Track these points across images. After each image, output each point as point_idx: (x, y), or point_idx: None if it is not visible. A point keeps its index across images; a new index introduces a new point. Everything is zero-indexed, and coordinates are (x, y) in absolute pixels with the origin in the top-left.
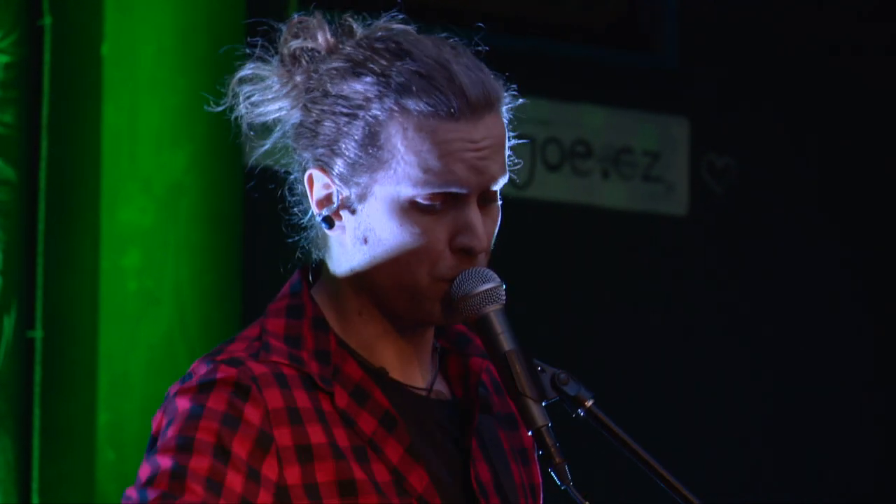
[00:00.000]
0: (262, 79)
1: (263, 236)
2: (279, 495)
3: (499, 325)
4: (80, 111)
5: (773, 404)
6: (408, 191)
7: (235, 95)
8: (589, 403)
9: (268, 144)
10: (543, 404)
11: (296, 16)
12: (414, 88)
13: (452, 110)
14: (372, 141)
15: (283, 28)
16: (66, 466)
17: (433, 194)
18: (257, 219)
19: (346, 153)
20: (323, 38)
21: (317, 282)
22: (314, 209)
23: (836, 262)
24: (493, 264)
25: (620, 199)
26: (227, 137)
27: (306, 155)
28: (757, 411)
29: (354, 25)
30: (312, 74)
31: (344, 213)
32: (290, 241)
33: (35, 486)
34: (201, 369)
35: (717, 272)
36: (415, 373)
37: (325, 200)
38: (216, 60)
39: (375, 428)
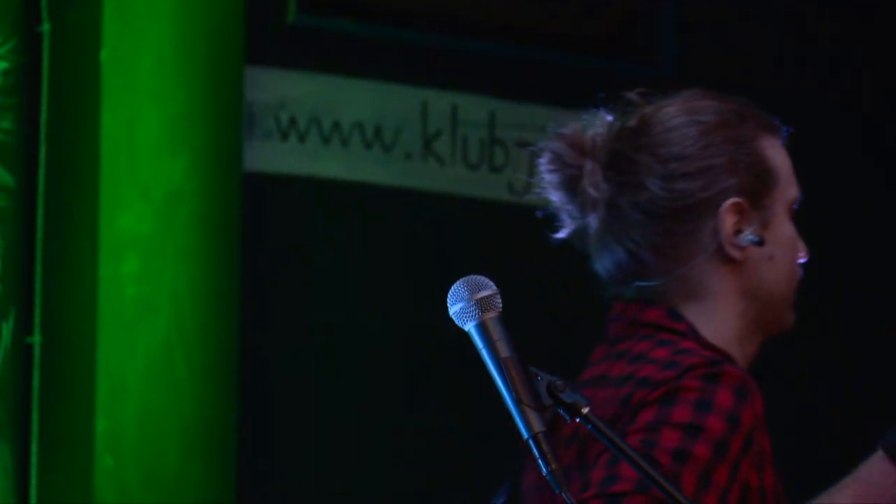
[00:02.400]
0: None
1: (262, 244)
2: (743, 490)
3: (496, 333)
4: (78, 117)
5: (777, 415)
6: (792, 192)
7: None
8: (585, 410)
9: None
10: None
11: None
12: (752, 111)
13: (778, 128)
14: (762, 163)
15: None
16: (64, 473)
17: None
18: (255, 226)
19: (748, 177)
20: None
21: (667, 311)
22: (728, 236)
23: (831, 270)
24: (493, 270)
25: None
26: (224, 145)
27: (708, 191)
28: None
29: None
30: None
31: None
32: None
33: (33, 492)
34: (694, 360)
35: None
36: None
37: (738, 226)
38: (215, 68)
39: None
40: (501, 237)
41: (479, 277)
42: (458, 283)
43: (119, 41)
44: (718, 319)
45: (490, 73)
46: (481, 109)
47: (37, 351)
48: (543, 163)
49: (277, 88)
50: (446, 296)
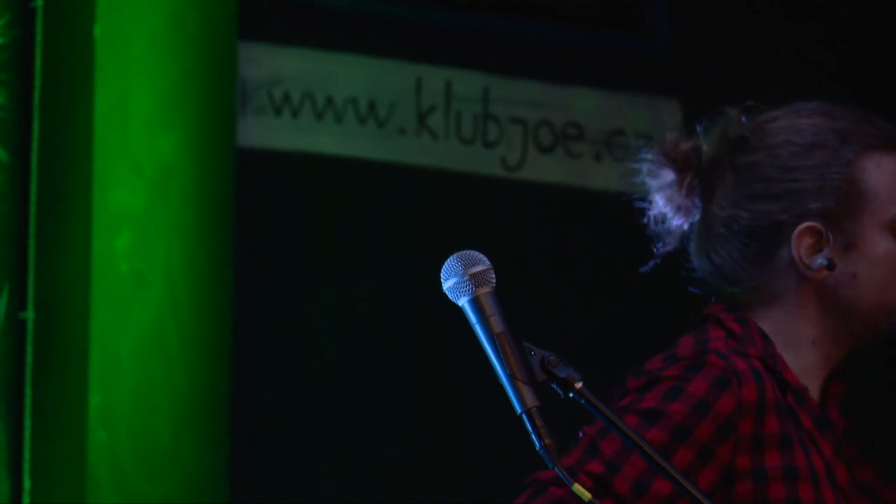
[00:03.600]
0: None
1: (255, 219)
2: (725, 473)
3: (489, 308)
4: (71, 93)
5: None
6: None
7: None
8: (578, 385)
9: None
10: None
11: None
12: (863, 128)
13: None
14: (852, 187)
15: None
16: (57, 447)
17: None
18: (248, 202)
19: (832, 201)
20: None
21: (737, 312)
22: (801, 257)
23: None
24: (486, 246)
25: (613, 181)
26: (218, 120)
27: (786, 213)
28: None
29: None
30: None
31: (834, 256)
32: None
33: (27, 466)
34: (691, 350)
35: None
36: (814, 394)
37: (816, 247)
38: (208, 43)
39: (811, 426)
40: (495, 212)
41: (472, 253)
42: (451, 258)
43: (112, 16)
44: (792, 325)
45: (484, 49)
46: (475, 85)
47: (30, 326)
48: (644, 169)
49: (271, 64)
50: (440, 271)
